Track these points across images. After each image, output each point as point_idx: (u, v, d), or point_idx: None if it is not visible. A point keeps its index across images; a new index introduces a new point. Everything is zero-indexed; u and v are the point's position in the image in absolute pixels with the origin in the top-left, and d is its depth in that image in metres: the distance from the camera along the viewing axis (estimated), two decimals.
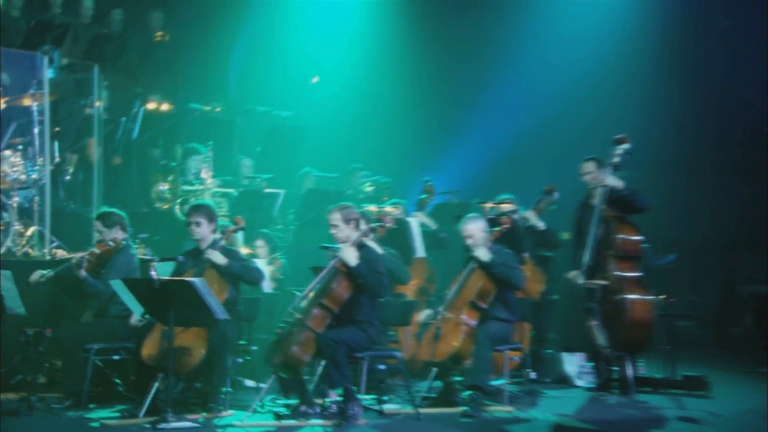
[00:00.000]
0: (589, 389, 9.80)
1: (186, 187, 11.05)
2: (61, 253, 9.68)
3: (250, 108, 13.46)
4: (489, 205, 10.02)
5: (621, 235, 9.06)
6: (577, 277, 9.38)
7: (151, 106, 12.36)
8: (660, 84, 14.42)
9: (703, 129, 14.84)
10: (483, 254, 8.45)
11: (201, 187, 10.84)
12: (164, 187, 11.30)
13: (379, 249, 8.43)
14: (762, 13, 14.17)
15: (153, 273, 8.03)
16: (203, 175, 10.89)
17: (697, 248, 13.97)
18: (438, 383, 8.91)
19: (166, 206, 11.18)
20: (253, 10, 14.12)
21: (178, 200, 11.02)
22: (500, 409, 8.57)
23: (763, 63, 13.95)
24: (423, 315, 9.07)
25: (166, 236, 10.66)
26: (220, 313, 7.60)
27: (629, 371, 9.38)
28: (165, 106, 12.68)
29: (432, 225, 10.46)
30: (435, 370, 8.80)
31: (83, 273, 8.57)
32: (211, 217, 8.39)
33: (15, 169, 10.08)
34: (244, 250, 9.82)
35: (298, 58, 14.45)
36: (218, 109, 13.11)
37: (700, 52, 14.92)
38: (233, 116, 13.23)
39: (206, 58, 13.89)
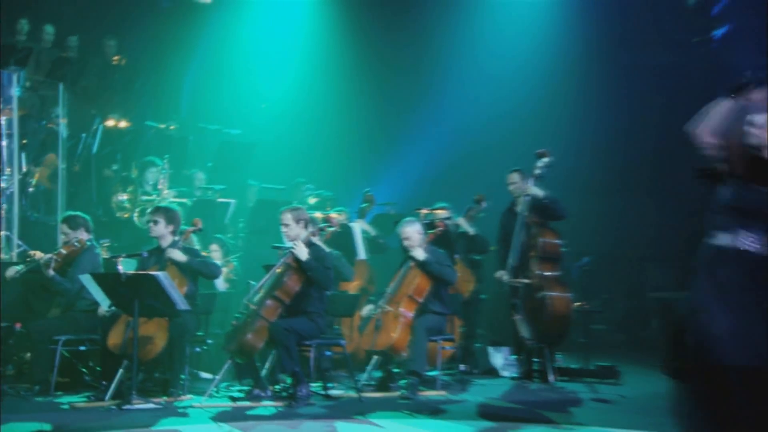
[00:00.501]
0: (513, 378, 10.06)
1: (144, 197, 11.15)
2: (39, 255, 9.40)
3: (202, 126, 13.46)
4: (425, 211, 10.11)
5: (543, 239, 9.45)
6: (503, 276, 9.68)
7: (109, 123, 12.47)
8: (582, 103, 14.59)
9: (617, 152, 15.05)
10: (419, 254, 8.79)
11: (158, 197, 10.98)
12: (124, 197, 11.39)
13: (325, 248, 8.71)
14: (666, 47, 15.01)
15: (120, 267, 8.31)
16: (160, 186, 11.09)
17: (611, 259, 14.11)
18: (377, 373, 9.23)
19: (126, 215, 11.28)
20: (204, 35, 14.22)
21: (137, 209, 11.14)
22: (434, 394, 8.89)
23: (670, 93, 14.30)
24: (365, 310, 9.31)
25: (126, 243, 10.56)
26: (182, 304, 7.90)
27: (549, 361, 9.71)
28: (123, 124, 12.76)
29: (372, 231, 10.78)
30: (376, 358, 9.11)
31: (51, 272, 8.75)
32: (170, 218, 8.66)
33: None
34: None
35: (245, 81, 14.50)
36: (172, 127, 13.15)
37: (615, 80, 15.07)
38: (187, 133, 13.23)
39: (160, 80, 13.89)
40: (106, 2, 13.55)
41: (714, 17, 14.03)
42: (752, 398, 4.96)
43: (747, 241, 5.02)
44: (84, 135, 11.80)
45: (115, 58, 13.22)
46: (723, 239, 5.02)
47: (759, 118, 4.98)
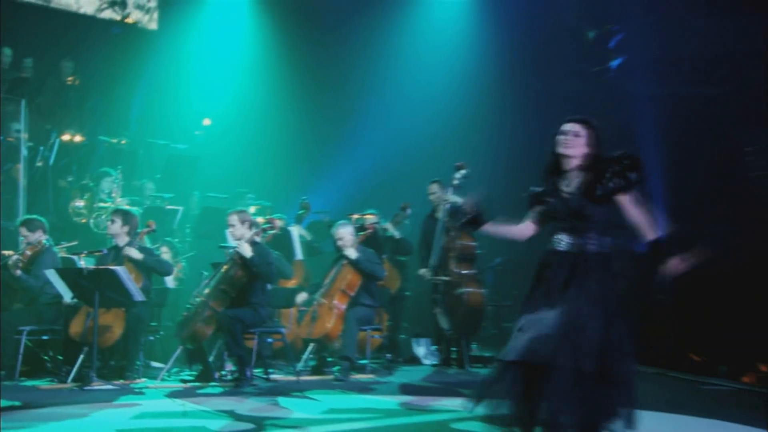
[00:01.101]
0: (433, 365, 10.46)
1: (100, 204, 11.23)
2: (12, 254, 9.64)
3: (150, 141, 13.46)
4: (356, 216, 10.55)
5: (460, 242, 9.94)
6: (426, 273, 10.12)
7: (65, 137, 12.47)
8: (497, 121, 14.62)
9: (528, 166, 14.73)
10: (352, 253, 9.33)
11: (112, 204, 11.01)
12: (81, 203, 11.38)
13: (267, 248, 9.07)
14: (569, 76, 15.02)
15: (82, 263, 8.81)
16: (114, 194, 11.17)
17: (520, 261, 13.90)
18: (312, 362, 9.68)
19: (83, 220, 11.30)
20: (151, 58, 14.13)
21: (93, 215, 11.23)
22: (363, 376, 9.39)
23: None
24: (299, 297, 9.76)
25: (83, 244, 10.42)
26: (138, 296, 8.32)
27: (465, 350, 10.14)
28: (78, 138, 12.75)
29: (307, 236, 11.13)
30: (312, 346, 9.64)
31: (19, 272, 9.03)
32: (126, 219, 8.97)
33: None
34: None
35: (189, 99, 14.40)
36: (123, 142, 13.05)
37: (526, 104, 14.78)
38: (137, 147, 13.20)
39: (111, 99, 13.87)
40: (62, 28, 13.47)
41: (611, 49, 14.68)
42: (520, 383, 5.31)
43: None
44: (42, 148, 11.89)
45: (70, 78, 13.15)
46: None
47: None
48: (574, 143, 5.41)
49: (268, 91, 14.38)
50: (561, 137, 5.49)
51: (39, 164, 11.94)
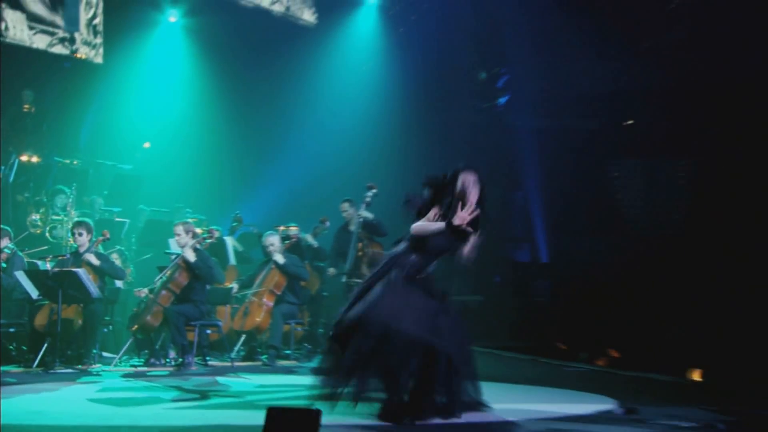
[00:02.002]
0: None
1: (54, 217, 11.40)
2: None
3: (99, 161, 13.21)
4: (282, 228, 10.98)
5: (371, 249, 10.29)
6: (332, 272, 10.68)
7: (24, 158, 12.41)
8: (404, 147, 14.80)
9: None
10: (279, 258, 9.88)
11: (66, 217, 11.22)
12: (36, 216, 11.44)
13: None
14: (465, 109, 15.86)
15: (48, 266, 9.25)
16: (68, 208, 11.29)
17: None
18: (243, 352, 10.15)
19: (38, 231, 11.34)
20: (99, 88, 13.85)
21: (48, 226, 11.32)
22: (288, 362, 9.89)
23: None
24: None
25: (39, 252, 10.65)
26: (95, 293, 8.80)
27: None
28: (35, 159, 12.64)
29: (239, 247, 11.51)
30: (243, 337, 10.11)
31: None
32: (89, 229, 9.41)
33: None
34: None
35: (133, 124, 14.17)
36: (75, 162, 12.83)
37: (430, 133, 15.36)
38: (87, 167, 12.90)
39: (64, 124, 13.67)
40: (18, 61, 12.82)
41: (499, 88, 15.53)
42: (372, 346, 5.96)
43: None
44: (2, 167, 11.84)
45: (26, 106, 12.91)
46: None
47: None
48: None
49: (203, 118, 14.43)
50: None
51: None
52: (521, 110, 15.41)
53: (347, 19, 16.11)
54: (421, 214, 6.22)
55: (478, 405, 6.21)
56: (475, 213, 5.91)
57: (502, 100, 15.51)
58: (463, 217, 5.81)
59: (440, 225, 6.02)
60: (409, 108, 15.20)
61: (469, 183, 6.22)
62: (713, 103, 13.67)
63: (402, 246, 6.41)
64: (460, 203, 6.03)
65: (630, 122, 15.26)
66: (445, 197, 6.22)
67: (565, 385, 8.59)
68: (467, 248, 6.18)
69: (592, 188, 15.09)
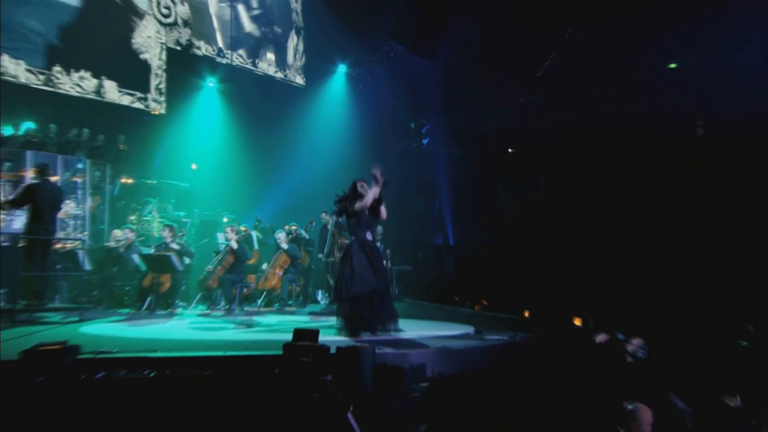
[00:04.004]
0: (326, 303, 11.23)
1: (144, 218, 11.93)
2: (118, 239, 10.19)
3: (168, 181, 13.29)
4: (286, 227, 11.31)
5: (340, 240, 10.91)
6: (322, 257, 11.20)
7: (123, 180, 12.57)
8: (363, 168, 11.56)
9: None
10: (284, 246, 10.72)
11: (151, 218, 11.93)
12: (132, 218, 11.86)
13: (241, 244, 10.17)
14: (402, 144, 16.07)
15: (151, 251, 10.02)
16: (152, 212, 12.01)
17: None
18: (263, 303, 10.69)
19: (135, 227, 11.23)
20: (164, 131, 13.68)
21: (140, 224, 11.71)
22: (290, 309, 10.51)
23: None
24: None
25: (139, 243, 10.86)
26: (178, 267, 9.87)
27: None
28: (130, 180, 12.76)
29: (260, 236, 11.87)
30: (264, 293, 10.78)
31: (122, 251, 9.91)
32: (171, 230, 10.21)
33: None
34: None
35: (187, 154, 14.22)
36: (153, 182, 13.02)
37: (386, 159, 14.18)
38: (161, 185, 13.10)
39: (146, 157, 13.62)
40: (114, 114, 13.02)
41: (423, 133, 16.17)
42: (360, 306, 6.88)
43: (366, 236, 7.20)
44: (110, 186, 12.09)
45: (121, 145, 13.03)
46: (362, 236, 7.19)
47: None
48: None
49: (231, 149, 14.50)
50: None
51: (107, 194, 12.10)
52: (436, 145, 15.80)
53: (326, 81, 16.62)
54: (345, 207, 7.38)
55: (396, 330, 7.29)
56: (377, 192, 7.12)
57: (425, 141, 15.93)
58: (374, 193, 7.15)
59: (368, 198, 7.11)
60: (366, 142, 15.56)
61: (363, 185, 7.33)
62: (561, 141, 14.20)
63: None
64: (367, 192, 7.19)
65: (511, 151, 15.90)
66: (353, 196, 7.38)
67: (453, 321, 9.26)
68: (382, 211, 7.26)
69: (483, 196, 15.55)
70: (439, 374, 6.00)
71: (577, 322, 9.48)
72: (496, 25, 13.85)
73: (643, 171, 13.00)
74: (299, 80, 16.68)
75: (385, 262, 9.09)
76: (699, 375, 6.07)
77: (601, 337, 7.03)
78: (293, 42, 16.65)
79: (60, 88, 12.20)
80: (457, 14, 12.89)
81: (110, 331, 7.55)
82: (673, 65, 14.17)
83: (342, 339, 6.83)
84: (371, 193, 7.06)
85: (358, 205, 7.07)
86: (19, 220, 9.61)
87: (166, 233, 10.09)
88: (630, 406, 4.82)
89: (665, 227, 12.11)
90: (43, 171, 9.01)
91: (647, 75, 13.88)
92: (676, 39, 13.42)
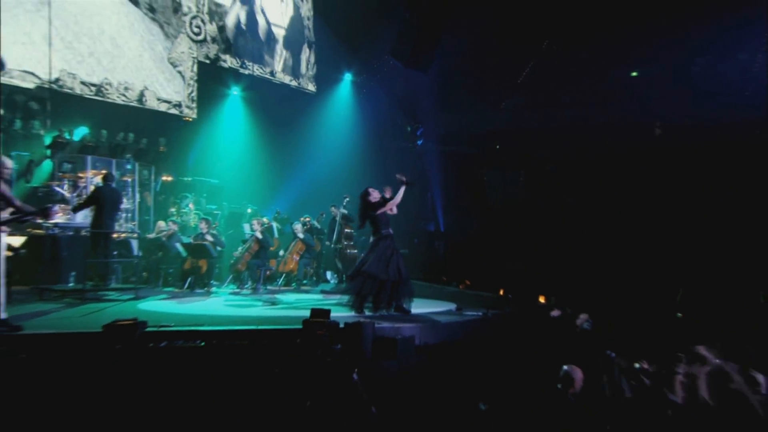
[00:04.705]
0: (335, 283, 11.47)
1: (182, 211, 12.14)
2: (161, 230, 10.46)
3: (200, 178, 13.68)
4: (302, 218, 11.70)
5: (347, 230, 11.52)
6: (330, 244, 11.50)
7: (164, 178, 12.98)
8: (371, 168, 14.53)
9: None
10: (300, 235, 11.23)
11: (188, 210, 12.22)
12: (173, 209, 12.20)
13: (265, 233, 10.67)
14: (400, 141, 15.93)
15: (191, 240, 10.44)
16: (190, 206, 12.34)
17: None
18: (283, 282, 11.10)
19: (176, 218, 11.62)
20: (195, 134, 13.72)
21: (179, 217, 11.88)
22: (305, 287, 10.99)
23: None
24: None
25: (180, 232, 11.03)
26: (213, 253, 10.39)
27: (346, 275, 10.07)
28: (169, 178, 13.15)
29: (279, 226, 12.00)
30: (284, 275, 11.28)
31: (164, 239, 10.25)
32: (207, 222, 10.59)
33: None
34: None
35: (217, 154, 14.28)
36: (189, 179, 13.37)
37: (383, 156, 15.33)
38: (195, 182, 13.41)
39: (182, 157, 13.93)
40: (155, 120, 13.15)
41: (418, 135, 16.12)
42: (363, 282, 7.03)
43: (390, 230, 7.27)
44: (153, 184, 12.53)
45: (162, 147, 13.39)
46: (389, 231, 7.41)
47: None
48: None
49: (253, 149, 14.68)
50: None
51: (153, 190, 12.58)
52: (429, 143, 15.75)
53: (334, 88, 16.69)
54: (368, 215, 7.60)
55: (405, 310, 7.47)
56: (402, 191, 7.44)
57: (419, 142, 15.92)
58: (401, 193, 7.47)
59: (398, 198, 7.43)
60: (369, 142, 15.72)
61: (372, 191, 7.56)
62: (538, 140, 14.75)
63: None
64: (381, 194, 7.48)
65: (497, 147, 16.14)
66: (370, 204, 7.52)
67: (440, 298, 9.61)
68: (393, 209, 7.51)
69: (471, 187, 15.61)
70: (425, 344, 6.52)
71: (542, 299, 9.89)
72: (481, 39, 14.09)
73: (606, 166, 13.37)
74: (311, 87, 16.82)
75: None
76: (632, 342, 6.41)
77: (555, 313, 7.65)
78: (305, 54, 16.90)
79: (108, 98, 12.49)
80: (446, 33, 13.39)
81: (163, 307, 8.03)
82: (634, 74, 14.82)
83: (348, 315, 7.17)
84: (400, 194, 7.38)
85: (391, 204, 7.40)
86: (80, 215, 10.12)
87: (203, 225, 10.55)
88: (566, 367, 5.14)
89: (620, 217, 12.68)
90: (107, 178, 9.54)
91: (611, 82, 14.55)
92: (637, 51, 14.09)
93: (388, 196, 7.35)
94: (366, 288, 7.29)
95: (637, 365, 5.51)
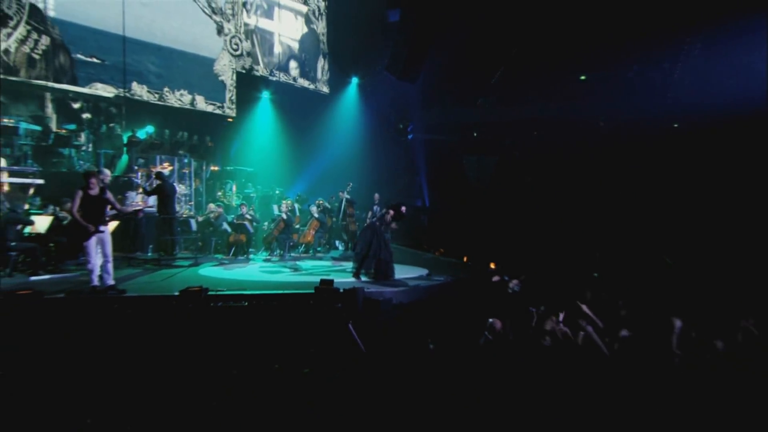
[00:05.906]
0: (343, 250, 11.98)
1: (228, 194, 12.70)
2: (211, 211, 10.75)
3: (240, 167, 13.82)
4: (318, 201, 11.87)
5: (349, 210, 11.95)
6: (337, 221, 11.82)
7: (212, 168, 13.22)
8: (374, 158, 14.87)
9: (381, 182, 14.68)
10: (316, 214, 11.65)
11: (232, 194, 12.78)
12: (219, 193, 12.71)
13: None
14: (395, 136, 16.30)
15: (234, 219, 11.11)
16: (233, 190, 12.83)
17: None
18: (302, 250, 11.54)
19: (223, 200, 12.25)
20: (234, 131, 13.79)
21: (225, 199, 12.47)
22: (320, 255, 11.50)
23: None
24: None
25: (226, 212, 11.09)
26: (251, 230, 10.99)
27: (351, 245, 11.39)
28: (216, 168, 13.38)
29: (299, 205, 12.31)
30: (303, 245, 11.75)
31: (212, 219, 10.89)
32: (245, 205, 11.22)
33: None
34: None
35: (251, 146, 14.19)
36: (231, 168, 13.53)
37: (387, 146, 15.77)
38: (235, 171, 13.68)
39: (225, 150, 13.89)
40: (204, 121, 13.20)
41: (408, 130, 16.58)
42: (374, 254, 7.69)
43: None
44: (203, 173, 12.89)
45: (210, 143, 13.28)
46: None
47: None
48: None
49: (280, 142, 14.99)
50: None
51: (204, 177, 13.02)
52: (417, 134, 16.26)
53: (343, 90, 16.92)
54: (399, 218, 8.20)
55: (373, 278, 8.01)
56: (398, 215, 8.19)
57: (410, 136, 16.33)
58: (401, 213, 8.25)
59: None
60: (370, 135, 16.13)
61: (394, 210, 8.21)
62: (508, 130, 15.49)
63: (380, 212, 7.97)
64: (395, 213, 8.20)
65: (475, 135, 16.57)
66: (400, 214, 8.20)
67: (418, 265, 9.94)
68: (393, 224, 8.25)
69: (452, 170, 16.03)
70: (400, 303, 7.20)
71: (492, 266, 10.51)
72: (461, 47, 14.50)
73: (561, 153, 13.99)
74: (325, 89, 16.92)
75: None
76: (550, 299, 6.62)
77: (495, 278, 8.39)
78: (321, 63, 17.13)
79: (168, 102, 12.79)
80: (431, 47, 13.99)
81: (216, 273, 8.57)
82: (583, 77, 15.38)
83: (346, 281, 7.71)
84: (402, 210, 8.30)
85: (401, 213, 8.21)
86: (150, 200, 10.64)
87: (244, 209, 11.19)
88: (490, 320, 5.65)
89: (566, 195, 13.41)
90: (160, 176, 10.10)
91: (565, 84, 15.03)
92: (585, 59, 14.73)
93: (403, 210, 8.38)
94: (367, 264, 8.17)
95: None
